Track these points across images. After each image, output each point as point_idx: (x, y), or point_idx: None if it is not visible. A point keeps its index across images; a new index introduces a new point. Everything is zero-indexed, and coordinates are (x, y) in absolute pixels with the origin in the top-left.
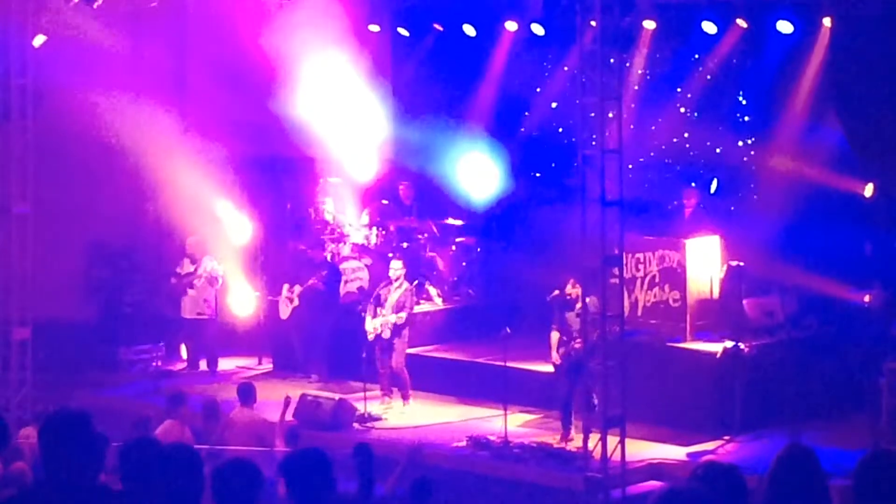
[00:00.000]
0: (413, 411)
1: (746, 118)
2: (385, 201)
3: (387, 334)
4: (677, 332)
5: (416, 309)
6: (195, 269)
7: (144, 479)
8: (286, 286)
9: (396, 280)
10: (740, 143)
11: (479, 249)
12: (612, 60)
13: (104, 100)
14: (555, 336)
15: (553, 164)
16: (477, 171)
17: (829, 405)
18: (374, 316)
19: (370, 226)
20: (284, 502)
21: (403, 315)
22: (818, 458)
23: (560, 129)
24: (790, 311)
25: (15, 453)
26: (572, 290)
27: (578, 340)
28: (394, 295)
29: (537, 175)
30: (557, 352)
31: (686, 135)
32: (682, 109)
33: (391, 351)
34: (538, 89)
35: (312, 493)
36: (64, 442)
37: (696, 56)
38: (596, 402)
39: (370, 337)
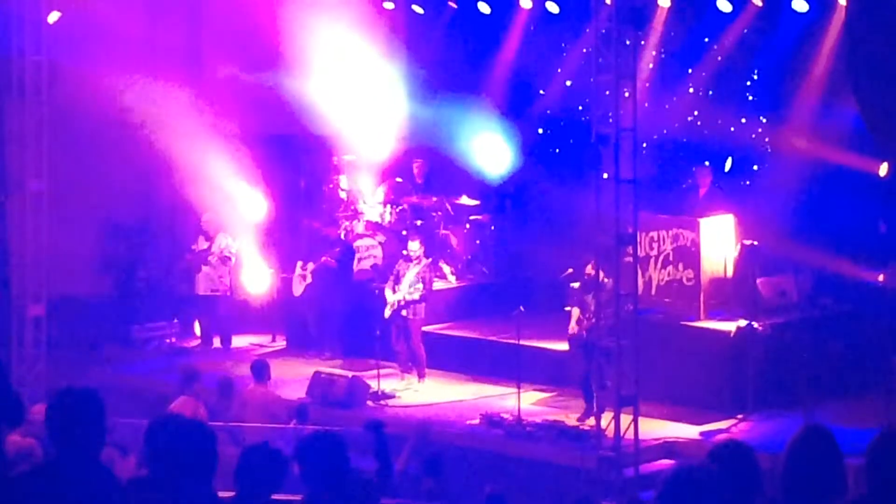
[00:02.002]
0: (426, 389)
1: (760, 97)
2: (399, 179)
3: (407, 303)
4: (691, 310)
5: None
6: (209, 246)
7: (158, 456)
8: (300, 263)
9: (415, 259)
10: (748, 121)
11: (492, 227)
12: (627, 40)
13: (119, 76)
14: (575, 312)
15: (571, 141)
16: (491, 149)
17: (843, 384)
18: (394, 292)
19: (385, 203)
20: (299, 483)
21: (421, 286)
22: (835, 438)
23: (580, 107)
24: (804, 290)
25: (28, 429)
26: (592, 270)
27: (592, 318)
28: (412, 271)
29: (554, 152)
30: (577, 326)
31: (698, 113)
32: (696, 88)
33: (408, 328)
34: (559, 70)
35: (326, 476)
36: (71, 420)
37: (711, 35)
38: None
39: (388, 313)
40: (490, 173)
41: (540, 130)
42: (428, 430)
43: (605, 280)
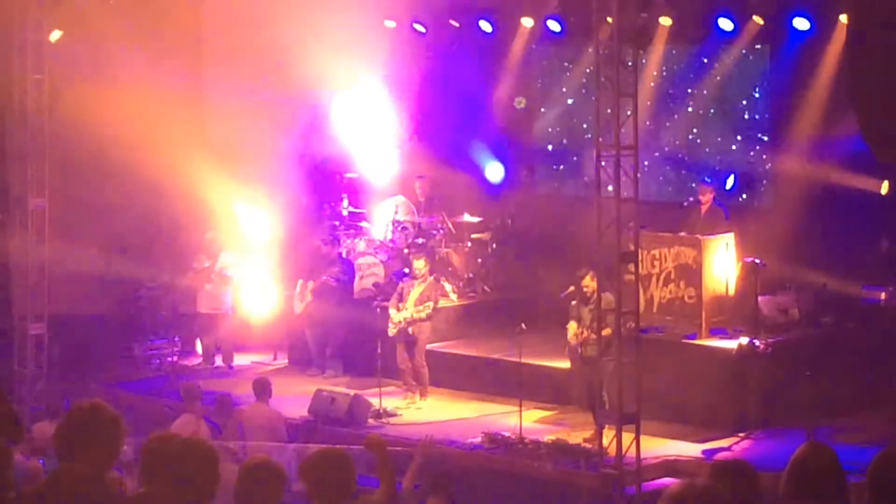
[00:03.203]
0: (428, 407)
1: (761, 115)
2: (401, 197)
3: (413, 321)
4: (693, 328)
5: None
6: (212, 265)
7: (160, 474)
8: (300, 282)
9: (420, 277)
10: (749, 139)
11: (494, 246)
12: (628, 59)
13: (120, 94)
14: (572, 326)
15: (575, 159)
16: (493, 165)
17: (845, 402)
18: (399, 310)
19: (388, 221)
20: (303, 500)
21: (431, 305)
22: (837, 456)
23: (584, 125)
24: (806, 308)
25: (29, 448)
26: (591, 282)
27: (591, 335)
28: (417, 290)
29: (556, 169)
30: (574, 341)
31: (700, 131)
32: (697, 107)
33: (413, 347)
34: (563, 89)
35: (334, 493)
36: (82, 436)
37: (712, 53)
38: (605, 398)
39: (392, 331)
40: (492, 184)
41: (550, 147)
42: (431, 448)
43: (604, 293)
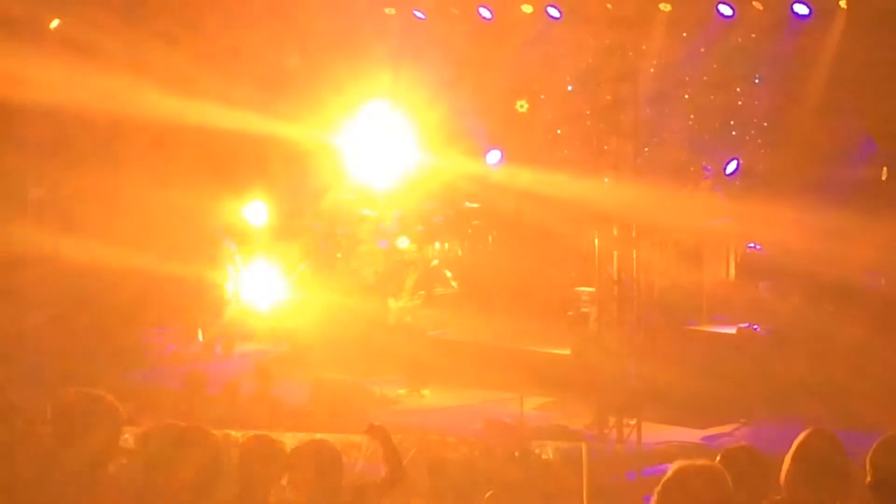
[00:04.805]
0: (429, 394)
1: (761, 102)
2: (402, 185)
3: (407, 316)
4: (693, 314)
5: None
6: (214, 254)
7: (161, 463)
8: (299, 269)
9: (413, 263)
10: (749, 125)
11: (494, 232)
12: (627, 44)
13: (122, 83)
14: (593, 312)
15: (576, 145)
16: (493, 152)
17: (845, 388)
18: (397, 298)
19: (388, 209)
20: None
21: (423, 293)
22: (840, 442)
23: (588, 111)
24: (806, 293)
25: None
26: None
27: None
28: (411, 277)
29: (556, 156)
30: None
31: (700, 117)
32: (697, 92)
33: (412, 335)
34: (564, 76)
35: (319, 485)
36: (77, 425)
37: (712, 38)
38: (607, 384)
39: (391, 319)
40: (491, 170)
41: (558, 131)
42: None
43: (606, 280)
